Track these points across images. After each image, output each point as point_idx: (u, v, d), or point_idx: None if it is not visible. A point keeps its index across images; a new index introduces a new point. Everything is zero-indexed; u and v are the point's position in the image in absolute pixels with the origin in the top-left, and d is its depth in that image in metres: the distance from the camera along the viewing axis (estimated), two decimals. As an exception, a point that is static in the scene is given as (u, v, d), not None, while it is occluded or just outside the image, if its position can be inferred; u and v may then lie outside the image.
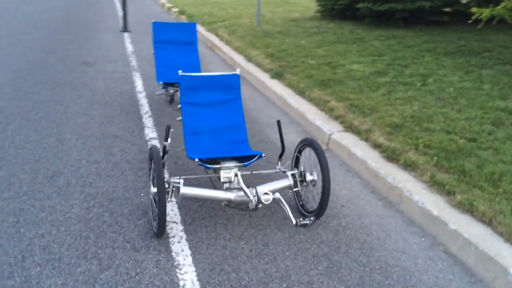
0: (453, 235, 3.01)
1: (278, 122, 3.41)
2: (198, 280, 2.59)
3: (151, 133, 4.72)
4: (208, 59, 8.42)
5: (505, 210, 3.05)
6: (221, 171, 3.16)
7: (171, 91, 4.87)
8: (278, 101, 5.95)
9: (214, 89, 3.69)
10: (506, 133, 4.23)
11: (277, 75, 6.70)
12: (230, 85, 3.74)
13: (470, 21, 6.96)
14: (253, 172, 3.35)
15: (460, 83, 5.87)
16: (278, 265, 2.76)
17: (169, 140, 3.14)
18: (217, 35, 10.21)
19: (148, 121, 5.08)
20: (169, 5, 16.11)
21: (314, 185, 3.20)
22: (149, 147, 2.96)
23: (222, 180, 3.14)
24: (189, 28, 5.31)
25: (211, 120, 3.63)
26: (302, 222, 2.53)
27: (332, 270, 2.75)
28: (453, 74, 6.25)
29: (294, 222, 2.52)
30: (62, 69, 7.24)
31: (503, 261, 2.66)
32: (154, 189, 2.90)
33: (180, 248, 2.88)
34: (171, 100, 5.55)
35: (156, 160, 2.76)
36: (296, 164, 3.46)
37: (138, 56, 8.31)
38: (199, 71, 5.13)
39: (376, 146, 4.21)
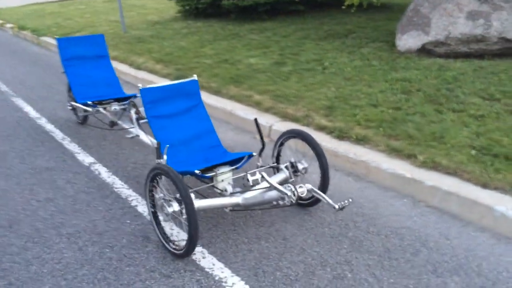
0: (432, 191, 3.44)
1: (256, 119, 3.47)
2: (252, 287, 2.56)
3: (86, 158, 4.35)
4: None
5: (463, 160, 3.58)
6: (218, 177, 3.12)
7: (100, 109, 4.51)
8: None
9: (175, 98, 3.59)
10: (419, 98, 4.88)
11: (179, 78, 6.59)
12: (190, 91, 3.67)
13: (343, 7, 7.68)
14: (248, 172, 3.36)
15: (352, 62, 6.51)
16: (310, 254, 2.86)
17: (164, 157, 2.99)
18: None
19: (72, 147, 4.65)
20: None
21: (305, 173, 3.35)
22: (152, 168, 2.79)
23: (220, 187, 3.11)
24: (98, 41, 4.97)
25: (181, 130, 3.53)
26: (342, 206, 2.66)
27: (356, 245, 2.95)
28: (341, 56, 6.89)
29: (336, 207, 2.65)
30: None
31: (485, 202, 3.15)
32: (170, 209, 2.76)
33: (210, 263, 2.79)
34: (84, 120, 5.13)
35: (176, 178, 2.62)
36: (277, 157, 3.56)
37: (4, 80, 7.42)
38: (118, 85, 4.87)
39: (321, 128, 4.51)
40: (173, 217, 2.81)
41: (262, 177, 2.80)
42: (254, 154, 3.30)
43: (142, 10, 14.09)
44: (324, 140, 4.27)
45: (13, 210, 3.44)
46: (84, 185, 3.81)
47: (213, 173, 3.12)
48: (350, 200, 2.68)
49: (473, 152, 3.68)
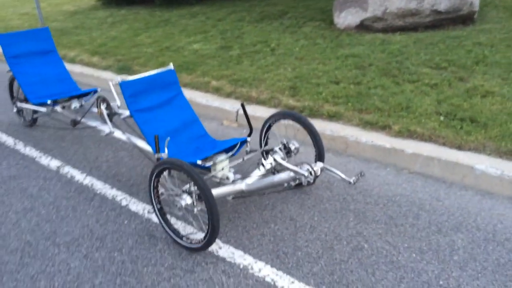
0: (413, 158, 3.66)
1: (242, 104, 3.45)
2: (279, 269, 2.59)
3: (51, 162, 4.07)
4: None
5: (435, 126, 3.84)
6: (217, 166, 3.09)
7: (56, 108, 4.20)
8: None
9: (155, 90, 3.47)
10: (373, 73, 5.11)
11: (123, 69, 6.34)
12: (169, 81, 3.56)
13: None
14: (245, 158, 3.34)
15: (297, 42, 6.63)
16: (321, 230, 2.93)
17: (166, 150, 2.88)
18: None
19: (29, 151, 4.32)
20: None
21: (296, 153, 3.40)
22: (159, 162, 2.68)
23: (220, 175, 3.08)
24: (43, 35, 4.60)
25: (166, 122, 3.43)
26: (356, 179, 2.75)
27: (361, 217, 3.08)
28: (284, 37, 6.98)
29: (351, 181, 2.72)
30: None
31: (465, 162, 3.42)
32: (182, 203, 2.69)
33: (229, 252, 2.77)
34: (34, 122, 4.78)
35: (192, 170, 2.55)
36: (265, 140, 3.57)
37: None
38: (72, 81, 4.59)
39: (290, 108, 4.59)
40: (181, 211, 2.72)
41: (275, 160, 2.80)
42: (248, 139, 3.28)
43: (52, 1, 13.19)
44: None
45: (-10, 225, 3.14)
46: (60, 190, 3.56)
47: (212, 163, 3.06)
48: (363, 173, 2.77)
49: (442, 118, 3.94)
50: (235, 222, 3.05)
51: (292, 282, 2.49)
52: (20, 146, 4.40)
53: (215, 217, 2.53)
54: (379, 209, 3.13)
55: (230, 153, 3.20)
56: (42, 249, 2.85)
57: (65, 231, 3.03)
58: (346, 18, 6.93)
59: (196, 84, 5.44)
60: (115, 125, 3.86)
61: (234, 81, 5.32)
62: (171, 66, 3.55)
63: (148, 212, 3.20)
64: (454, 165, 3.44)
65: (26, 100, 4.62)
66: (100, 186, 3.58)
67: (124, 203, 3.33)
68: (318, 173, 2.73)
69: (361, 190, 3.38)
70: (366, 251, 2.71)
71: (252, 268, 2.61)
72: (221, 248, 2.79)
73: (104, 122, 3.79)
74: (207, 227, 2.59)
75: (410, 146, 3.70)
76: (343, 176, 2.69)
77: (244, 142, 3.25)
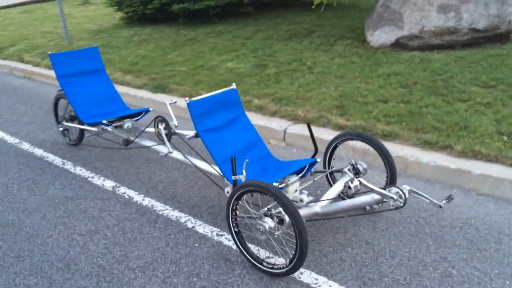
0: (481, 179, 3.56)
1: (308, 124, 3.38)
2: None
3: (105, 182, 4.00)
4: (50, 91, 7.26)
5: (500, 147, 3.75)
6: (289, 188, 3.02)
7: (108, 128, 4.16)
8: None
9: (220, 110, 3.41)
10: (420, 91, 5.05)
11: (158, 88, 6.31)
12: (232, 101, 3.51)
13: (313, 6, 7.75)
14: (315, 180, 3.26)
15: (332, 60, 6.60)
16: (402, 255, 2.85)
17: (244, 172, 2.81)
18: (26, 61, 8.83)
19: (80, 171, 4.26)
20: None
21: (365, 174, 3.32)
22: (241, 185, 2.60)
23: (292, 197, 3.00)
24: (92, 54, 4.58)
25: (232, 143, 3.36)
26: (446, 203, 2.65)
27: (440, 241, 2.97)
28: (318, 55, 6.95)
29: (441, 204, 2.63)
30: None
31: (539, 184, 3.32)
32: (266, 226, 2.60)
33: (312, 278, 2.68)
34: (80, 141, 4.74)
35: (279, 193, 2.47)
36: (329, 161, 3.50)
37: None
38: (121, 101, 4.54)
39: (341, 127, 4.54)
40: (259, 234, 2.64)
41: (360, 183, 2.72)
42: (319, 160, 3.21)
43: (72, 19, 13.27)
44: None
45: (58, 248, 3.06)
46: (121, 211, 3.49)
47: (284, 184, 2.98)
48: (452, 197, 2.68)
49: (505, 138, 3.85)
50: (310, 246, 2.95)
51: (387, 311, 2.37)
52: (69, 166, 4.34)
53: (304, 242, 2.44)
54: (457, 232, 3.03)
55: (301, 174, 3.11)
56: (117, 274, 2.76)
57: (136, 255, 2.94)
58: (381, 36, 6.90)
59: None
60: (174, 145, 3.78)
61: (277, 100, 5.26)
62: (233, 86, 3.50)
63: (217, 234, 3.11)
64: (526, 187, 3.34)
65: (72, 120, 4.58)
66: (161, 208, 3.50)
67: (189, 225, 3.25)
68: (407, 196, 2.64)
69: (432, 212, 3.28)
70: (456, 278, 2.60)
71: (341, 296, 2.50)
72: (302, 274, 2.70)
73: (162, 142, 3.72)
74: (293, 251, 2.50)
75: (477, 167, 3.62)
76: (431, 199, 2.60)
77: (314, 163, 3.17)
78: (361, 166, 3.25)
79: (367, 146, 3.18)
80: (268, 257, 2.82)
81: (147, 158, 4.41)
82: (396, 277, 2.63)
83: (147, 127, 3.87)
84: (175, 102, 3.93)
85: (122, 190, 3.81)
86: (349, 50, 6.97)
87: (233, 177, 2.81)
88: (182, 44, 8.64)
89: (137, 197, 3.67)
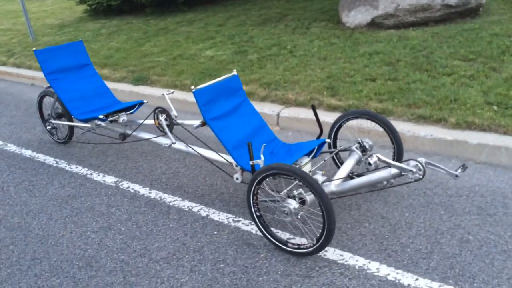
0: (478, 148, 3.71)
1: (313, 106, 3.43)
2: (397, 268, 2.58)
3: (105, 178, 3.94)
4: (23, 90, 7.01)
5: (492, 116, 3.91)
6: (303, 169, 3.06)
7: (101, 123, 4.07)
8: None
9: (225, 96, 3.41)
10: (405, 68, 5.17)
11: (139, 80, 6.21)
12: (235, 87, 3.51)
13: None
14: (326, 159, 3.32)
15: (312, 43, 6.66)
16: (419, 225, 2.94)
17: (262, 157, 2.83)
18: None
19: (76, 168, 4.17)
20: None
21: (371, 151, 3.40)
22: (263, 168, 2.62)
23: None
24: (78, 48, 4.45)
25: (239, 129, 3.37)
26: (461, 172, 2.74)
27: (451, 210, 3.09)
28: (296, 39, 6.99)
29: (458, 174, 2.72)
30: None
31: (533, 149, 3.49)
32: (291, 207, 2.64)
33: (337, 254, 2.74)
34: (69, 138, 4.63)
35: (305, 174, 2.51)
36: (334, 140, 3.56)
37: None
38: (112, 94, 4.46)
39: (335, 108, 4.61)
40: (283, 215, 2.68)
41: (379, 158, 2.79)
42: (328, 141, 3.26)
43: (31, 15, 12.76)
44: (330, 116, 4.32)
45: (74, 247, 3.00)
46: (130, 205, 3.44)
47: (298, 166, 3.02)
48: (466, 165, 2.78)
49: (495, 108, 4.02)
50: (314, 224, 3.00)
51: (417, 279, 2.47)
52: (64, 164, 4.24)
53: (332, 220, 2.49)
54: (464, 200, 3.16)
55: (312, 155, 3.16)
56: (142, 267, 2.74)
57: (157, 247, 2.92)
58: (356, 17, 6.99)
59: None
60: (175, 135, 3.75)
61: (265, 85, 5.27)
62: (235, 72, 3.49)
63: (234, 221, 3.13)
64: (522, 153, 3.50)
65: (60, 117, 4.46)
66: (170, 199, 3.47)
67: (203, 213, 3.25)
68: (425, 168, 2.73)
69: (437, 183, 3.40)
70: (474, 243, 2.72)
71: (369, 269, 2.58)
72: (327, 252, 2.76)
73: (163, 133, 3.68)
74: (320, 230, 2.54)
75: (472, 137, 3.76)
76: (448, 170, 2.70)
77: (323, 143, 3.22)
78: (367, 143, 3.31)
79: (372, 124, 3.24)
80: (290, 238, 2.85)
81: (143, 151, 4.35)
82: (417, 247, 2.72)
83: (146, 119, 3.81)
84: (172, 93, 3.89)
85: (126, 184, 3.75)
86: (326, 32, 7.03)
87: (250, 162, 2.81)
88: (155, 34, 8.49)
89: (143, 191, 3.63)
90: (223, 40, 7.43)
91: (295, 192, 2.69)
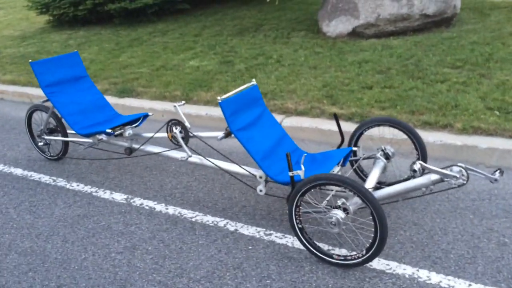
0: (488, 152, 3.82)
1: (335, 114, 3.41)
2: (447, 274, 2.58)
3: (113, 195, 3.75)
4: None
5: (496, 121, 4.04)
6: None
7: (103, 138, 3.88)
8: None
9: (247, 107, 3.34)
10: (398, 76, 5.27)
11: (124, 92, 6.02)
12: (255, 97, 3.45)
13: (268, 1, 7.74)
14: (354, 167, 3.31)
15: (297, 52, 6.69)
16: (453, 231, 2.98)
17: (302, 167, 2.77)
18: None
19: (77, 186, 3.94)
20: None
21: (393, 157, 3.42)
22: (308, 180, 2.56)
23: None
24: (74, 60, 4.23)
25: (264, 139, 3.30)
26: (500, 175, 2.78)
27: (479, 214, 3.15)
28: (280, 48, 7.00)
29: (497, 178, 2.77)
30: None
31: (542, 151, 3.63)
32: (339, 217, 2.60)
33: (383, 264, 2.72)
34: (63, 154, 4.39)
35: (359, 186, 2.48)
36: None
37: None
38: (111, 107, 4.28)
39: (339, 116, 4.59)
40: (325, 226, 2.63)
41: (421, 165, 2.79)
42: (355, 148, 3.25)
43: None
44: (350, 127, 4.35)
45: (102, 270, 2.81)
46: (149, 223, 3.28)
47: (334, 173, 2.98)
48: (502, 170, 2.83)
49: (497, 113, 4.15)
50: (362, 234, 2.98)
51: (470, 285, 2.48)
52: (63, 183, 3.99)
53: (385, 229, 2.46)
54: (488, 204, 3.22)
55: (341, 164, 3.13)
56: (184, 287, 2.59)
57: (193, 265, 2.78)
58: (337, 26, 7.09)
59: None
60: (191, 148, 3.62)
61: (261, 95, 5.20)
62: (254, 81, 3.42)
63: (265, 234, 3.04)
64: (533, 155, 3.63)
65: (52, 132, 4.22)
66: (191, 215, 3.34)
67: (231, 228, 3.14)
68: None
69: (457, 188, 3.44)
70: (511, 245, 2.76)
71: (419, 277, 2.57)
72: (372, 262, 2.71)
73: (177, 146, 3.54)
74: (371, 240, 2.51)
75: (481, 141, 3.86)
76: (487, 174, 2.74)
77: (351, 152, 3.20)
78: (389, 151, 3.32)
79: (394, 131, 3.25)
80: (329, 250, 2.80)
81: (147, 166, 4.18)
82: (459, 253, 2.74)
83: (158, 131, 3.66)
84: (184, 104, 3.75)
85: (138, 201, 3.57)
86: (308, 41, 7.08)
87: (290, 173, 2.74)
88: (129, 45, 8.26)
89: (159, 207, 3.47)
90: (204, 50, 7.32)
91: (339, 202, 2.63)
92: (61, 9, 9.88)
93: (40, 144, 4.33)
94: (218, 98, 3.06)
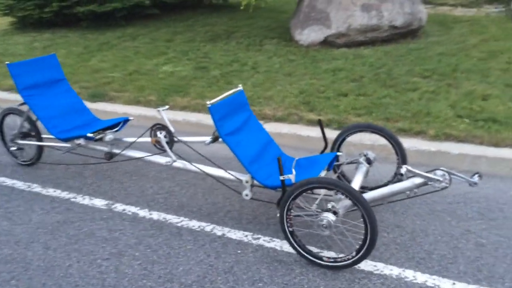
0: (460, 157, 4.01)
1: (319, 120, 3.50)
2: (432, 274, 2.68)
3: (92, 200, 3.69)
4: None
5: (467, 128, 4.25)
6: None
7: (81, 142, 3.82)
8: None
9: (235, 111, 3.38)
10: (370, 84, 5.44)
11: (96, 96, 5.93)
12: (242, 102, 3.50)
13: (242, 7, 7.80)
14: (338, 172, 3.39)
15: (271, 59, 6.79)
16: (433, 232, 3.10)
17: (294, 171, 2.83)
18: None
19: (54, 192, 3.85)
20: None
21: (374, 162, 3.54)
22: (300, 183, 2.63)
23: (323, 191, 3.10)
24: (51, 62, 4.15)
25: (251, 144, 3.35)
26: (479, 180, 2.91)
27: (456, 216, 3.29)
28: (254, 55, 7.08)
29: (476, 181, 2.90)
30: None
31: (511, 157, 3.85)
32: (330, 219, 2.68)
33: (371, 265, 2.80)
34: (36, 160, 4.28)
35: (350, 189, 2.56)
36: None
37: None
38: (89, 112, 4.23)
39: (315, 123, 4.71)
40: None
41: (408, 170, 2.90)
42: (339, 153, 3.34)
43: None
44: (329, 133, 4.44)
45: (89, 277, 2.76)
46: (134, 229, 3.25)
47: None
48: (480, 173, 2.97)
49: (467, 120, 4.36)
50: (345, 235, 3.06)
51: (454, 284, 2.60)
52: (38, 188, 3.90)
53: (375, 231, 2.55)
54: (464, 207, 3.38)
55: (328, 169, 3.21)
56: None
57: (183, 270, 2.78)
58: (310, 35, 7.24)
59: (196, 106, 5.29)
60: (175, 152, 3.61)
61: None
62: (240, 87, 3.46)
63: (253, 238, 3.07)
64: (501, 161, 3.84)
65: (25, 136, 4.11)
66: (176, 220, 3.34)
67: (218, 233, 3.16)
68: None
69: (433, 192, 3.58)
70: (489, 246, 2.92)
71: (406, 277, 2.66)
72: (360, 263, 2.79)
73: (161, 151, 3.54)
74: (361, 242, 2.59)
75: (453, 147, 4.04)
76: (467, 178, 2.87)
77: (336, 157, 3.29)
78: (371, 156, 3.43)
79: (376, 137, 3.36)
80: (318, 252, 2.86)
81: (126, 171, 4.13)
82: (441, 253, 2.86)
83: (141, 136, 3.63)
84: (167, 108, 3.75)
85: (119, 207, 3.53)
86: (281, 49, 7.19)
87: (281, 177, 2.79)
88: (98, 49, 8.13)
89: (142, 212, 3.44)
90: (177, 55, 7.30)
91: (329, 205, 2.70)
92: (26, 11, 9.59)
93: (12, 149, 4.20)
94: (208, 102, 3.07)
